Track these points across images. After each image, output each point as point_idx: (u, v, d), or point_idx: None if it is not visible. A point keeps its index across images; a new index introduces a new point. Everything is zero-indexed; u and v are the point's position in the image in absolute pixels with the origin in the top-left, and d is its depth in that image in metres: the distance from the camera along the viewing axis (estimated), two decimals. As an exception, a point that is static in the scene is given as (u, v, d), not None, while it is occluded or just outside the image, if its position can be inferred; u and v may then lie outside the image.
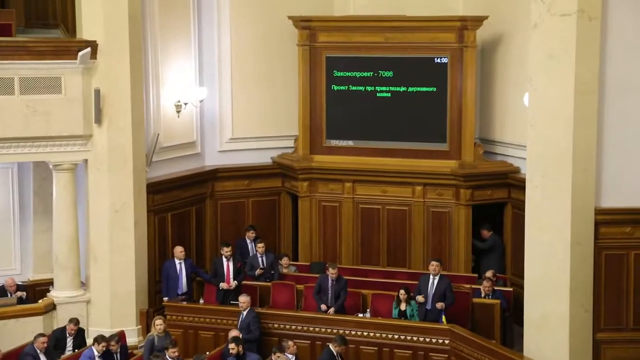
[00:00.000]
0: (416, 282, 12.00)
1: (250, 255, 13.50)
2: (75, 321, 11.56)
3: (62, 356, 11.36)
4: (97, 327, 12.26)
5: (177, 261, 12.64)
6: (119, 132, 12.31)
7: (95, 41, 12.07)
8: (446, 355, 11.18)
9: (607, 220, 10.86)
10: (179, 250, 12.71)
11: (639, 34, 10.63)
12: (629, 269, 10.98)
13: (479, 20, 13.39)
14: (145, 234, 12.84)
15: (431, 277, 11.76)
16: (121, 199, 12.41)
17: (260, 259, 13.09)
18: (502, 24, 13.63)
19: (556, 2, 10.41)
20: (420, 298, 11.65)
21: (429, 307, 11.65)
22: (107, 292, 12.45)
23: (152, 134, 13.27)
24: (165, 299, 12.59)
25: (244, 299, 11.55)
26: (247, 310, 11.55)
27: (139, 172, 12.60)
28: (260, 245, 13.12)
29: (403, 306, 11.82)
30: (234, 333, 11.08)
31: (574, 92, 10.47)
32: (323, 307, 11.99)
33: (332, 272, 12.08)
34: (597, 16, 10.39)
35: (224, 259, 12.55)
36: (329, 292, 12.04)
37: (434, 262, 11.85)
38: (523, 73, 11.93)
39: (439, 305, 11.49)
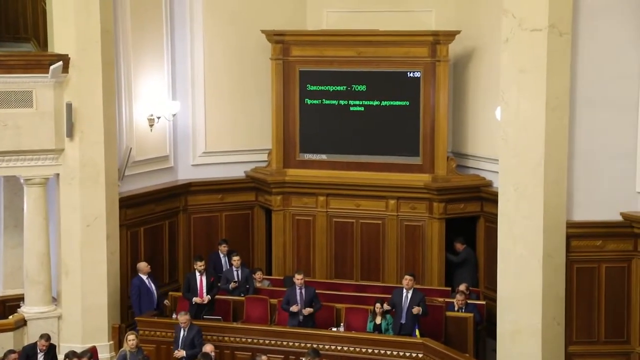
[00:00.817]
0: (389, 296, 11.97)
1: (224, 269, 13.44)
2: (46, 337, 11.43)
3: (33, 372, 11.22)
4: (68, 342, 12.15)
5: (143, 277, 12.58)
6: (91, 146, 12.25)
7: (67, 55, 12.01)
8: (420, 369, 11.17)
9: (579, 234, 10.92)
10: (144, 265, 12.65)
11: (609, 49, 10.72)
12: (600, 282, 11.04)
13: (451, 35, 13.45)
14: (117, 249, 12.76)
15: (405, 291, 11.76)
16: (93, 213, 12.34)
17: (235, 273, 13.05)
18: (474, 39, 13.68)
19: (527, 17, 10.49)
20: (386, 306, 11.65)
21: (403, 320, 11.64)
22: (78, 307, 12.34)
23: (124, 147, 13.22)
24: (137, 317, 12.43)
25: (183, 318, 11.40)
26: (187, 328, 11.41)
27: (111, 186, 12.54)
28: (235, 258, 13.08)
29: (378, 320, 11.80)
30: (207, 348, 11.00)
31: (545, 107, 10.54)
32: (294, 308, 11.81)
33: (298, 278, 11.96)
34: (567, 31, 10.48)
35: (197, 273, 12.48)
36: (299, 302, 11.93)
37: (407, 277, 11.83)
38: (495, 87, 11.95)
39: (415, 309, 11.43)
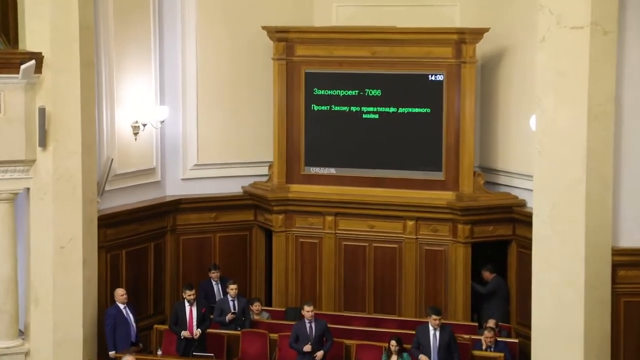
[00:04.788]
0: (407, 332, 12.00)
1: (218, 299, 13.46)
2: (12, 376, 11.35)
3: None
4: (38, 382, 12.11)
5: (120, 306, 12.56)
6: (67, 156, 12.22)
7: (40, 53, 11.98)
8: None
9: (627, 262, 10.89)
10: (120, 293, 12.65)
11: (660, 50, 10.67)
12: (651, 318, 10.98)
13: (478, 33, 13.45)
14: (95, 274, 12.72)
15: (431, 329, 11.78)
16: (68, 233, 12.30)
17: (231, 303, 13.04)
18: (506, 37, 13.70)
19: (567, 13, 10.47)
20: (423, 358, 11.64)
21: None
22: (49, 341, 12.26)
23: (105, 159, 13.23)
24: (112, 352, 12.41)
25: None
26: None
27: (89, 202, 12.51)
28: (232, 286, 13.07)
29: (394, 359, 11.71)
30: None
31: (586, 115, 10.52)
32: (307, 347, 11.84)
33: (307, 310, 12.02)
34: (612, 29, 10.46)
35: (187, 304, 12.48)
36: (310, 339, 11.93)
37: (434, 317, 11.82)
38: (529, 93, 11.99)
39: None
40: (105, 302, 13.08)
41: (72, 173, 12.22)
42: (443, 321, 12.09)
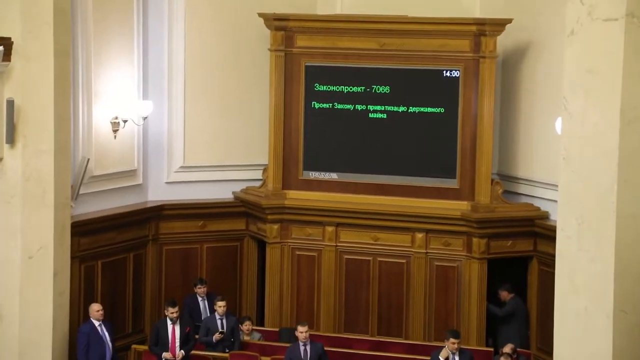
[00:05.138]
0: (414, 357, 12.11)
1: (204, 316, 13.48)
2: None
3: None
4: (2, 408, 12.13)
5: (95, 323, 12.53)
6: (38, 155, 12.19)
7: (9, 39, 11.95)
8: None
9: None
10: (95, 309, 12.63)
11: None
12: (687, 346, 10.88)
13: (500, 24, 13.47)
14: (67, 288, 12.69)
15: (450, 354, 11.89)
16: (38, 241, 12.27)
17: (219, 322, 13.06)
18: (530, 30, 13.72)
19: (599, 3, 10.37)
20: None
21: None
22: (14, 362, 12.28)
23: (80, 159, 13.22)
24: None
25: None
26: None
27: (61, 207, 12.47)
28: (220, 304, 13.10)
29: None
30: None
31: (619, 118, 10.39)
32: None
33: (301, 331, 12.12)
34: (650, 22, 10.34)
35: (169, 322, 12.56)
36: (305, 364, 12.08)
37: (452, 340, 11.93)
38: (556, 92, 11.94)
39: None
40: (78, 318, 13.06)
41: (42, 174, 12.19)
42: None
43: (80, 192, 13.20)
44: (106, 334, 12.54)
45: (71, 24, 12.64)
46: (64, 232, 12.58)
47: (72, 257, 12.83)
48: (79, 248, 13.15)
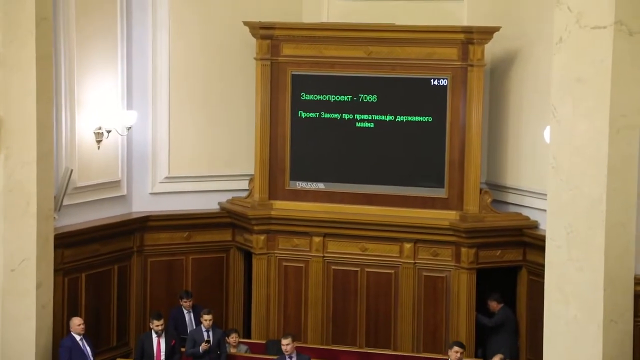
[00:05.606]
0: None
1: (190, 329, 13.46)
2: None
3: None
4: None
5: (76, 337, 12.49)
6: (20, 166, 12.17)
7: (-9, 48, 12.01)
8: None
9: None
10: (76, 323, 12.58)
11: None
12: (678, 356, 10.92)
13: (488, 32, 13.48)
14: (50, 300, 12.66)
15: None
16: (20, 254, 12.24)
17: (205, 334, 13.02)
18: (518, 38, 13.73)
19: (587, 11, 10.42)
20: None
21: None
22: (-4, 378, 12.29)
23: (63, 170, 13.20)
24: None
25: None
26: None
27: (44, 219, 12.45)
28: (207, 317, 13.06)
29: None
30: None
31: (608, 127, 10.45)
32: None
33: (285, 343, 12.13)
34: (639, 30, 10.33)
35: (154, 335, 12.56)
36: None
37: (456, 348, 11.97)
38: (544, 100, 11.97)
39: None
40: (61, 332, 13.03)
41: (25, 185, 12.18)
42: (439, 357, 12.25)
43: (64, 203, 13.17)
44: (87, 348, 12.50)
45: (54, 33, 12.64)
46: (47, 244, 12.55)
47: (56, 270, 12.81)
48: (63, 260, 13.11)
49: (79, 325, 12.53)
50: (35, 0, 11.97)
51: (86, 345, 12.49)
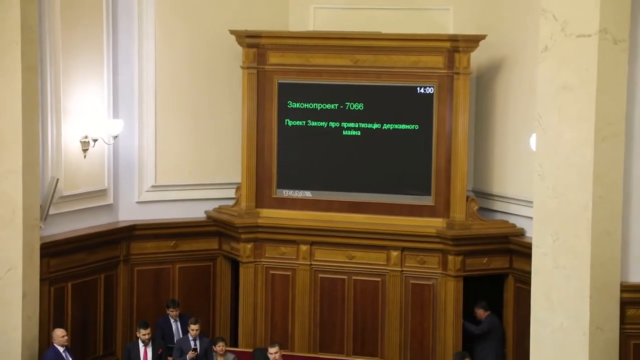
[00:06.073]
0: None
1: (177, 338, 13.45)
2: None
3: None
4: None
5: (59, 349, 12.47)
6: (5, 176, 12.17)
7: (-25, 57, 12.00)
8: None
9: (637, 300, 10.85)
10: (60, 334, 12.55)
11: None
12: (664, 363, 10.94)
13: (474, 41, 13.50)
14: (36, 310, 12.62)
15: None
16: (6, 263, 12.22)
17: (192, 343, 13.06)
18: (503, 46, 13.75)
19: (573, 19, 10.45)
20: None
21: None
22: (-18, 389, 12.24)
23: (49, 179, 13.17)
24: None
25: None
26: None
27: (30, 228, 12.43)
28: (194, 327, 13.11)
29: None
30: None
31: (594, 135, 10.47)
32: None
33: (272, 352, 12.16)
34: (624, 38, 10.44)
35: (141, 344, 12.58)
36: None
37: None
38: (530, 108, 12.00)
39: None
40: (47, 342, 12.94)
41: (11, 195, 12.17)
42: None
43: (50, 212, 13.13)
44: (70, 359, 12.46)
45: (39, 42, 12.62)
46: (33, 254, 12.52)
47: (42, 279, 12.77)
48: (49, 269, 13.07)
49: (63, 336, 12.49)
50: (20, 9, 11.97)
51: (69, 357, 12.45)
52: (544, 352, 10.93)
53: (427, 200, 13.82)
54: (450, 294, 13.57)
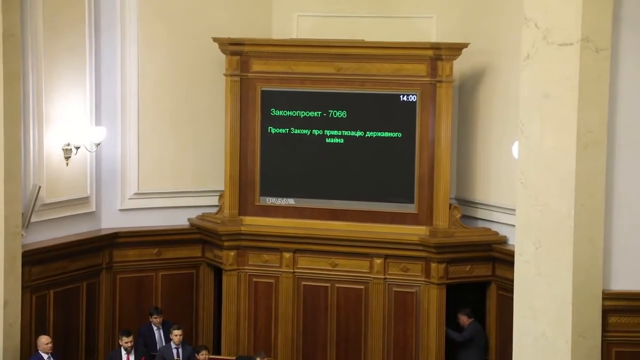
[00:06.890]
0: None
1: (159, 346, 13.43)
2: None
3: None
4: None
5: (44, 356, 12.43)
6: (-14, 183, 12.14)
7: (-43, 64, 11.96)
8: None
9: (619, 307, 10.84)
10: (44, 341, 12.50)
11: (659, 70, 10.71)
12: (646, 371, 10.94)
13: (456, 49, 13.52)
14: (18, 318, 12.59)
15: None
16: (-13, 271, 12.18)
17: (175, 351, 13.03)
18: (486, 54, 13.78)
19: (555, 27, 10.45)
20: None
21: None
22: (-38, 399, 12.18)
23: (31, 186, 13.13)
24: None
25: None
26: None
27: (11, 236, 12.41)
28: (177, 332, 13.07)
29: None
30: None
31: (576, 143, 10.46)
32: None
33: None
34: (606, 46, 10.43)
35: (123, 352, 12.58)
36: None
37: None
38: (512, 116, 11.98)
39: None
40: (29, 351, 12.91)
41: (-8, 202, 12.12)
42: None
43: (32, 220, 13.10)
44: None
45: (21, 49, 12.59)
46: (15, 262, 12.48)
47: (23, 287, 12.72)
48: (30, 277, 13.01)
49: (47, 344, 12.45)
50: (2, 17, 11.96)
51: (55, 363, 12.45)
52: (527, 359, 10.93)
53: (410, 208, 13.83)
54: (433, 302, 13.57)
